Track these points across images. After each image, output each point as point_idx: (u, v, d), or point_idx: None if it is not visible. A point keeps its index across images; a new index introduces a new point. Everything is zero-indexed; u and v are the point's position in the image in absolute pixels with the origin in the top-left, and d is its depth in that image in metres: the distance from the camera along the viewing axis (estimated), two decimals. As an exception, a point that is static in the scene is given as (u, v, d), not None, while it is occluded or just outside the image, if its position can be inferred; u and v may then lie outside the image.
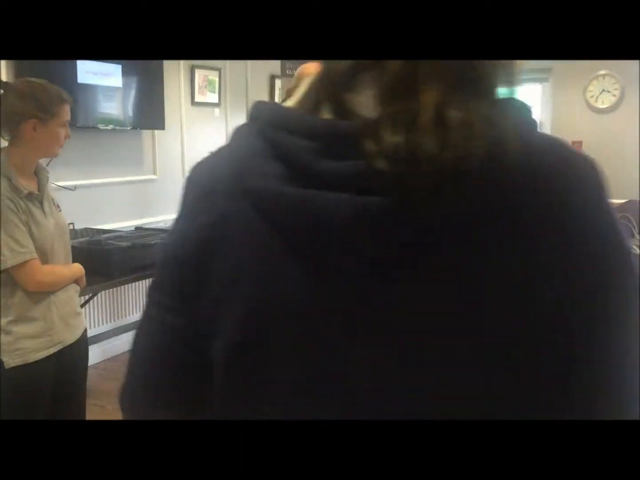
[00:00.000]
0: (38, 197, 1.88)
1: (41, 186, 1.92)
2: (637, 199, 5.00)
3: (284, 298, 0.50)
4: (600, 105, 5.14)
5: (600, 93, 5.13)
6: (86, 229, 3.23)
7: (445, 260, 0.46)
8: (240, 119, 4.81)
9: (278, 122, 0.50)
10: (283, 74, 4.53)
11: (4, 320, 1.80)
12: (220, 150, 0.58)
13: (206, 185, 0.56)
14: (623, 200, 5.04)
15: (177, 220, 0.58)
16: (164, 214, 4.21)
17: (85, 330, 2.07)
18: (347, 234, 0.46)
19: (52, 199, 1.97)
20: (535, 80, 5.47)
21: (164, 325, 0.56)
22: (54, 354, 1.89)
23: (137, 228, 3.51)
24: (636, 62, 4.93)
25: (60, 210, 2.01)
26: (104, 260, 2.63)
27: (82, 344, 2.04)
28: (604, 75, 5.09)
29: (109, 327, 3.88)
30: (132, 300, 4.05)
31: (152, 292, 0.59)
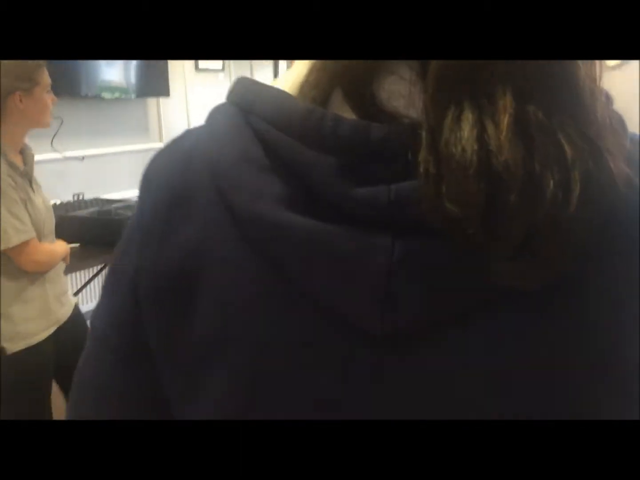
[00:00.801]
0: (28, 174, 1.85)
1: (28, 163, 1.88)
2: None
3: (284, 371, 0.37)
4: (608, 63, 5.08)
5: (608, 51, 5.06)
6: (95, 199, 3.25)
7: (503, 325, 0.35)
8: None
9: (280, 120, 0.36)
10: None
11: (2, 304, 1.76)
12: (195, 141, 0.42)
13: (178, 188, 0.41)
14: (630, 160, 5.03)
15: (135, 232, 0.43)
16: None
17: (76, 305, 2.07)
18: (381, 289, 0.34)
19: (35, 177, 1.94)
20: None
21: (117, 380, 0.43)
22: (52, 334, 1.89)
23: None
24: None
25: (40, 188, 1.96)
26: (116, 231, 2.65)
27: (76, 318, 2.03)
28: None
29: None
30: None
31: (99, 324, 0.45)
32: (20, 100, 1.79)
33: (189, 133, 0.44)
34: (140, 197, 0.44)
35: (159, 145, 4.16)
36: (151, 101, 4.11)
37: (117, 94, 3.72)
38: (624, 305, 0.35)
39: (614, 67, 5.08)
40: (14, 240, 1.72)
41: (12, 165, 1.77)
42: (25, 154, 1.89)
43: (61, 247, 1.95)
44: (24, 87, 1.79)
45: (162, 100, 4.15)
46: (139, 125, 4.06)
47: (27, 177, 1.85)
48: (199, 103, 4.48)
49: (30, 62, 1.81)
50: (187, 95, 4.38)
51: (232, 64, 4.77)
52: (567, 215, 0.31)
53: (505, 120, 0.31)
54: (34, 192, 1.86)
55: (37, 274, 1.83)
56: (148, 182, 0.44)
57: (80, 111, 3.60)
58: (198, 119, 4.42)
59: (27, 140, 1.94)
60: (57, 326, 1.91)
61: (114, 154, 3.82)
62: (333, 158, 0.34)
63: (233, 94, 0.41)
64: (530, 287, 0.32)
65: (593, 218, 0.32)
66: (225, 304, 0.38)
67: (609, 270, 0.35)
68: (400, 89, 0.36)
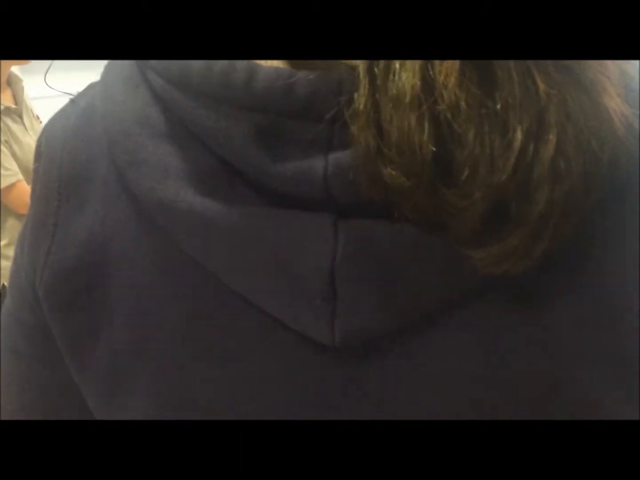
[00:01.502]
0: (16, 111, 1.74)
1: (17, 98, 1.77)
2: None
3: (215, 379, 0.31)
4: None
5: None
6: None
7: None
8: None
9: (179, 75, 0.29)
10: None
11: (1, 245, 1.73)
12: (92, 99, 0.35)
13: (71, 164, 0.34)
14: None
15: (28, 220, 0.37)
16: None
17: None
18: (324, 289, 0.27)
19: (31, 110, 1.84)
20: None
21: (21, 380, 0.38)
22: None
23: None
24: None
25: (41, 122, 1.86)
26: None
27: None
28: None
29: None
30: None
31: (5, 322, 0.40)
32: None
33: (89, 88, 0.37)
34: (33, 177, 0.36)
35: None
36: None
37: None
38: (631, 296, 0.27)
39: None
40: None
41: None
42: (14, 87, 1.78)
43: None
44: None
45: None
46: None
47: (16, 113, 1.73)
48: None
49: None
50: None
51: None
52: (539, 176, 0.23)
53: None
54: (26, 128, 1.76)
55: None
56: (38, 156, 0.36)
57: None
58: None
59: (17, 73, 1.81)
60: None
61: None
62: (247, 121, 0.26)
63: None
64: (508, 273, 0.25)
65: (578, 180, 0.24)
66: (139, 306, 0.31)
67: (610, 254, 0.27)
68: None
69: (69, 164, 0.34)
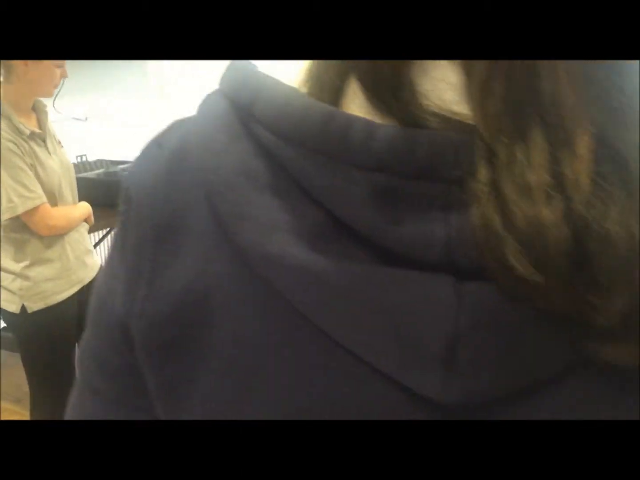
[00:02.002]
0: (40, 135, 1.79)
1: (42, 123, 1.83)
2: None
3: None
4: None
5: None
6: (99, 161, 3.25)
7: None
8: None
9: (290, 129, 0.28)
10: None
11: (19, 266, 1.78)
12: (183, 143, 0.35)
13: (164, 211, 0.33)
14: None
15: (119, 268, 0.36)
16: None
17: (101, 267, 2.06)
18: (442, 352, 0.27)
19: (54, 136, 1.88)
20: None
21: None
22: (75, 294, 1.89)
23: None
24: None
25: (62, 147, 1.92)
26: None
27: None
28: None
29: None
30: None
31: (86, 366, 0.39)
32: (25, 64, 1.73)
33: (173, 130, 0.36)
34: (122, 219, 0.36)
35: (160, 101, 4.12)
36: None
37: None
38: None
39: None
40: (19, 208, 1.69)
41: (16, 129, 1.71)
42: (38, 112, 1.84)
43: (80, 209, 1.92)
44: None
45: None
46: (140, 82, 4.01)
47: (40, 137, 1.79)
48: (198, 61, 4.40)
49: None
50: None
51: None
52: None
53: (584, 153, 0.24)
54: (49, 153, 1.81)
55: (54, 235, 1.82)
56: (128, 200, 0.35)
57: (81, 69, 3.55)
58: (197, 71, 4.36)
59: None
60: (80, 287, 1.90)
61: (115, 112, 3.78)
62: (365, 181, 0.26)
63: (226, 84, 0.33)
64: (633, 364, 0.26)
65: None
66: (242, 357, 0.31)
67: None
68: (447, 74, 0.27)
69: (162, 212, 0.33)
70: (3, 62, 1.73)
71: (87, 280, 1.95)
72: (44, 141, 1.81)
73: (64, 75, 1.85)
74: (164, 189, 0.34)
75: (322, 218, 0.28)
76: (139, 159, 0.37)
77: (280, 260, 0.28)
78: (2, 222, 1.75)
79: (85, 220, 1.97)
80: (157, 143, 0.36)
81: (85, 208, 1.95)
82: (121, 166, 3.07)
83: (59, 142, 1.91)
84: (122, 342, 0.35)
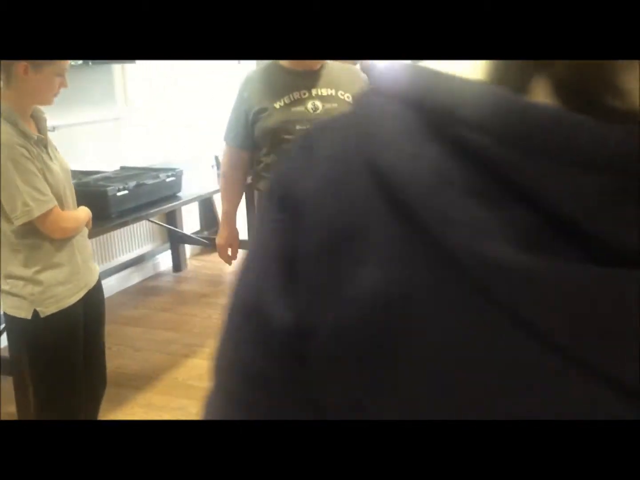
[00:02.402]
0: (43, 141, 1.80)
1: (42, 129, 1.84)
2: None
3: None
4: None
5: None
6: (72, 172, 3.14)
7: None
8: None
9: (507, 128, 0.27)
10: None
11: (31, 271, 1.78)
12: (341, 151, 0.34)
13: (343, 217, 0.32)
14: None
15: (276, 277, 0.34)
16: (140, 152, 4.12)
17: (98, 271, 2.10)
18: None
19: (50, 141, 1.89)
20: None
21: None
22: (81, 298, 1.90)
23: (122, 167, 3.43)
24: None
25: (58, 152, 1.94)
26: (96, 203, 2.57)
27: (99, 285, 2.05)
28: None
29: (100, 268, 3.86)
30: (120, 242, 4.02)
31: (230, 380, 0.38)
32: (25, 72, 1.70)
33: (325, 133, 0.35)
34: (279, 227, 0.34)
35: (126, 112, 4.03)
36: (116, 67, 3.96)
37: (80, 61, 3.56)
38: None
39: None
40: (35, 212, 1.71)
41: (24, 134, 1.72)
42: (37, 119, 1.84)
43: (84, 212, 1.95)
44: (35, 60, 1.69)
45: (127, 67, 4.00)
46: (106, 93, 3.92)
47: (42, 143, 1.79)
48: (163, 68, 4.34)
49: None
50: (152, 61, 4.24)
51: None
52: None
53: None
54: (50, 158, 1.82)
55: (64, 239, 1.84)
56: (292, 207, 0.33)
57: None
58: (161, 85, 4.30)
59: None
60: (87, 291, 1.93)
61: (81, 123, 3.68)
62: (595, 182, 0.26)
63: (409, 86, 0.31)
64: None
65: None
66: (449, 365, 0.30)
67: None
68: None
69: (337, 220, 0.32)
70: (3, 68, 1.71)
71: (91, 285, 1.96)
72: (45, 147, 1.82)
73: (63, 85, 1.83)
74: (336, 194, 0.32)
75: (533, 220, 0.27)
76: (290, 163, 0.36)
77: (497, 262, 0.27)
78: (14, 228, 1.75)
79: (86, 225, 1.98)
80: (308, 148, 0.35)
81: (87, 212, 1.97)
82: (93, 177, 2.98)
83: (56, 148, 1.93)
84: (286, 355, 0.33)
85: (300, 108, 2.03)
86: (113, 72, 3.95)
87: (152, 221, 3.99)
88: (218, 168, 3.92)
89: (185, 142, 4.57)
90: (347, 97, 2.09)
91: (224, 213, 2.29)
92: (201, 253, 4.81)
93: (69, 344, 1.87)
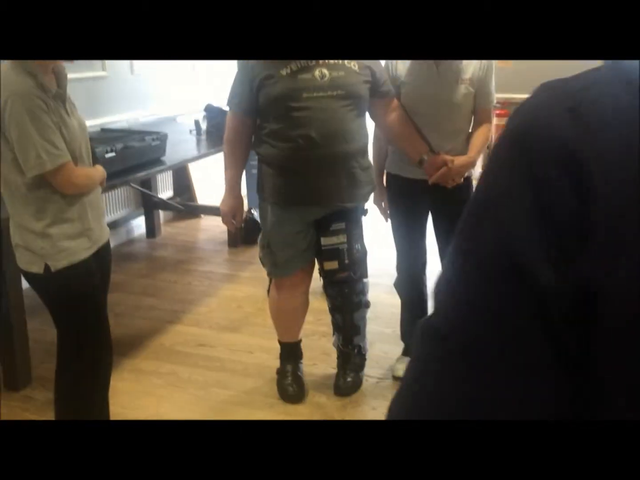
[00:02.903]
0: (62, 96, 1.76)
1: (61, 84, 1.78)
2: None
3: None
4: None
5: None
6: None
7: None
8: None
9: None
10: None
11: (40, 224, 1.75)
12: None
13: (634, 187, 0.34)
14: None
15: (530, 233, 0.36)
16: (118, 113, 4.00)
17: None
18: None
19: (69, 97, 1.85)
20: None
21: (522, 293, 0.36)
22: (94, 254, 1.87)
23: (104, 129, 3.33)
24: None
25: (76, 109, 1.90)
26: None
27: (108, 246, 2.02)
28: None
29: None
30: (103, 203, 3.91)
31: (462, 335, 0.38)
32: None
33: (606, 96, 0.36)
34: (562, 188, 0.35)
35: (103, 73, 3.90)
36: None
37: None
38: None
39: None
40: (48, 165, 1.67)
41: (42, 87, 1.67)
42: (58, 74, 1.78)
43: (98, 171, 1.91)
44: None
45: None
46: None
47: (61, 98, 1.75)
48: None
49: None
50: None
51: None
52: None
53: None
54: (68, 114, 1.77)
55: (76, 195, 1.80)
56: (580, 169, 0.35)
57: None
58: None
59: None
60: (98, 247, 1.89)
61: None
62: None
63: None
64: None
65: None
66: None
67: None
68: None
69: (635, 185, 0.33)
70: None
71: (103, 242, 1.93)
72: (64, 102, 1.77)
73: None
74: (627, 163, 0.34)
75: None
76: (560, 126, 0.36)
77: None
78: (26, 180, 1.71)
79: (100, 184, 1.95)
80: (578, 113, 0.36)
81: (102, 171, 1.93)
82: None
83: (74, 105, 1.88)
84: (555, 315, 0.35)
85: (307, 75, 2.00)
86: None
87: (132, 186, 3.89)
88: (198, 133, 3.85)
89: (157, 105, 4.47)
90: (354, 65, 2.07)
91: (229, 179, 2.24)
92: (174, 219, 4.74)
93: (83, 298, 1.84)
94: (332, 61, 2.04)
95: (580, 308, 0.34)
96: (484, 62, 2.21)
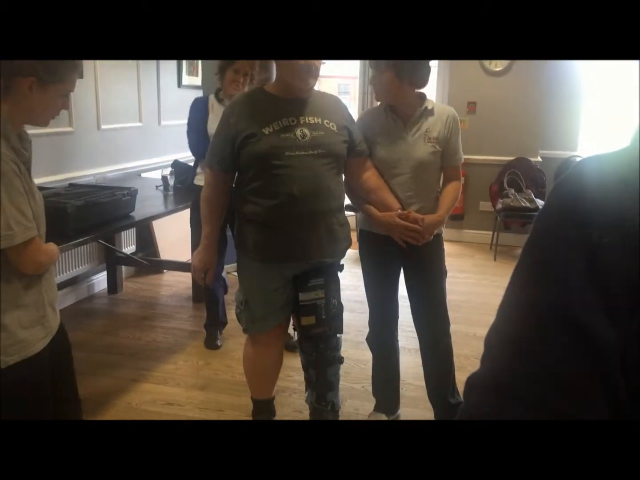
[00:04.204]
0: (28, 163, 1.59)
1: (28, 149, 1.61)
2: (524, 156, 5.50)
3: None
4: (494, 68, 5.53)
5: (494, 57, 5.50)
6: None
7: None
8: (151, 64, 4.60)
9: None
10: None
11: None
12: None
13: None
14: (512, 157, 5.53)
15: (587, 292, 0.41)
16: (85, 169, 3.99)
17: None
18: None
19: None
20: (433, 41, 5.74)
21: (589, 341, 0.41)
22: (48, 344, 1.66)
23: (71, 184, 3.31)
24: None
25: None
26: (64, 220, 2.49)
27: (62, 329, 1.81)
28: (497, 40, 5.46)
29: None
30: (57, 262, 3.83)
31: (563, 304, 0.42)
32: (30, 89, 1.52)
33: (607, 164, 0.44)
34: (592, 251, 0.41)
35: (70, 129, 3.90)
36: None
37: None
38: None
39: (499, 73, 5.56)
40: (18, 238, 1.47)
41: (15, 150, 1.51)
42: (23, 139, 1.62)
43: (55, 248, 1.70)
44: (42, 77, 1.51)
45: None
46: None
47: (27, 165, 1.59)
48: (109, 87, 4.25)
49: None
50: (97, 79, 4.14)
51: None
52: None
53: None
54: (32, 182, 1.61)
55: (33, 276, 1.59)
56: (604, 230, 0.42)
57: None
58: (107, 104, 4.20)
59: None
60: (52, 336, 1.68)
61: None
62: None
63: None
64: None
65: None
66: None
67: None
68: None
69: None
70: (4, 80, 1.52)
71: (55, 330, 1.71)
72: (29, 170, 1.61)
73: (66, 106, 1.65)
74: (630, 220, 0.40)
75: None
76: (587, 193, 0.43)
77: None
78: None
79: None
80: (622, 181, 0.42)
81: (56, 247, 1.72)
82: (43, 192, 2.84)
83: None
84: (610, 368, 0.40)
85: (289, 135, 2.06)
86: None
87: (100, 242, 3.84)
88: (165, 189, 3.86)
89: (123, 160, 4.47)
90: (332, 125, 2.14)
91: (206, 236, 2.25)
92: (135, 275, 4.68)
93: (34, 394, 1.63)
94: (312, 121, 2.11)
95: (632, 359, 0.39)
96: (450, 121, 2.32)
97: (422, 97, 2.35)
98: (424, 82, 2.28)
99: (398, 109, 2.31)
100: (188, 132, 3.33)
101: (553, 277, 0.43)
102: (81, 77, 3.80)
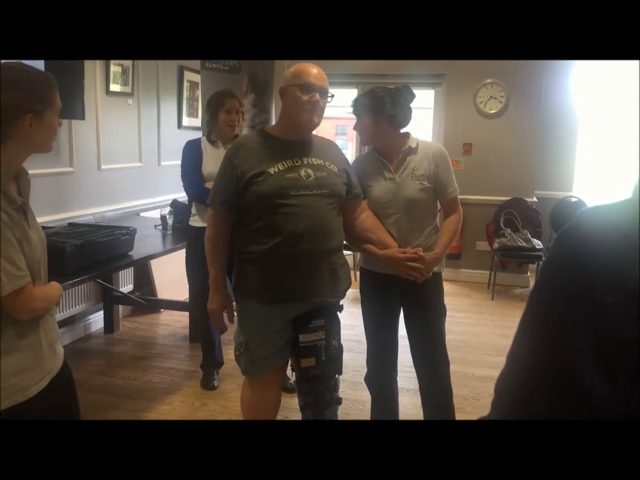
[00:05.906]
0: (25, 207, 1.54)
1: (24, 193, 1.58)
2: (520, 197, 5.56)
3: None
4: (489, 110, 5.64)
5: (489, 99, 5.62)
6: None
7: None
8: (151, 106, 4.67)
9: None
10: (203, 67, 4.48)
11: None
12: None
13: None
14: (508, 198, 5.59)
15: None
16: (84, 208, 4.01)
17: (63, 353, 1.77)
18: None
19: (31, 209, 1.60)
20: (429, 85, 5.86)
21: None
22: (46, 387, 1.59)
23: (71, 224, 3.33)
24: (519, 72, 5.48)
25: (35, 219, 1.63)
26: (61, 259, 2.50)
27: (66, 369, 1.74)
28: (491, 84, 5.59)
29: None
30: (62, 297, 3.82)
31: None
32: (31, 125, 1.53)
33: (607, 214, 0.45)
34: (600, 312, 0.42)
35: (70, 169, 3.94)
36: (62, 125, 3.89)
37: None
38: None
39: (494, 115, 5.66)
40: (7, 288, 1.46)
41: (7, 198, 1.49)
42: (21, 180, 1.60)
43: (55, 289, 1.66)
44: (38, 109, 1.53)
45: (73, 124, 3.94)
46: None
47: (24, 209, 1.55)
48: (109, 127, 4.31)
49: (43, 82, 1.56)
50: (99, 118, 4.20)
51: (141, 89, 4.65)
52: None
53: None
54: (29, 226, 1.56)
55: (31, 320, 1.56)
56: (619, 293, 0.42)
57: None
58: (108, 145, 4.25)
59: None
60: (50, 378, 1.62)
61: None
62: None
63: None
64: None
65: None
66: None
67: None
68: None
69: None
70: (4, 130, 1.50)
71: (56, 371, 1.66)
72: (26, 214, 1.56)
73: (59, 124, 1.64)
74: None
75: None
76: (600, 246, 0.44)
77: None
78: None
79: (56, 303, 1.71)
80: (625, 236, 0.43)
81: (59, 289, 1.68)
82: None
83: (33, 214, 1.63)
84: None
85: (294, 174, 2.09)
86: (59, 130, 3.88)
87: (97, 281, 3.84)
88: (164, 228, 3.88)
89: (123, 200, 4.50)
90: (333, 167, 2.18)
91: (214, 277, 2.22)
92: (132, 314, 4.66)
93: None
94: (315, 162, 2.14)
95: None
96: (435, 156, 2.35)
97: (406, 136, 2.39)
98: (404, 122, 2.34)
99: (384, 151, 2.36)
100: (183, 175, 3.31)
101: (555, 336, 0.44)
102: (83, 118, 3.88)
